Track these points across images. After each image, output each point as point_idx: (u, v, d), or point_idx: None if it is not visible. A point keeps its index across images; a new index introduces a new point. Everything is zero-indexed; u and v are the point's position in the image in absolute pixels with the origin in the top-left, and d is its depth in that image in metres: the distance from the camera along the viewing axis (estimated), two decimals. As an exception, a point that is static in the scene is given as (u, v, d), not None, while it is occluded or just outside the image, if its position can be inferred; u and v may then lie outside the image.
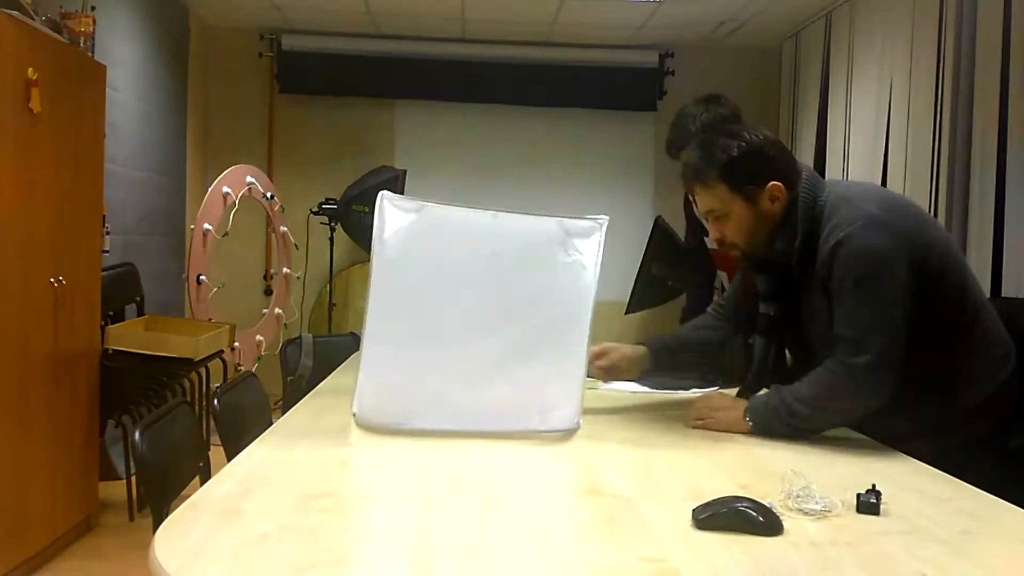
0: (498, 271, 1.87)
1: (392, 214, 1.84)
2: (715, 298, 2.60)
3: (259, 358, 5.24)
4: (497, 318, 1.84)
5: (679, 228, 5.85)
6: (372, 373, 1.82)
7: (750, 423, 1.82)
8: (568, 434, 1.82)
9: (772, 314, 1.96)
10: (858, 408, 1.80)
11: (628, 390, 2.42)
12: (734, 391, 2.08)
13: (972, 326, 1.88)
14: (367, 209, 5.73)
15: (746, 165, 1.81)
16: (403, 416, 1.80)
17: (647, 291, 5.83)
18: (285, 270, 5.61)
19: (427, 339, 1.83)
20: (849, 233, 1.75)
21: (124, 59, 4.68)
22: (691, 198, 2.02)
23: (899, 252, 1.75)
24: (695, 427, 1.89)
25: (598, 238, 1.88)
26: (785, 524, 1.23)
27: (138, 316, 4.24)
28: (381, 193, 1.86)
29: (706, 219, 1.96)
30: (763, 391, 1.93)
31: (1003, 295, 3.70)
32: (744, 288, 2.17)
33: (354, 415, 1.85)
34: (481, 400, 1.81)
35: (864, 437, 1.85)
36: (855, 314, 1.75)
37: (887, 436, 1.85)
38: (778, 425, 1.80)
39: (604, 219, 1.89)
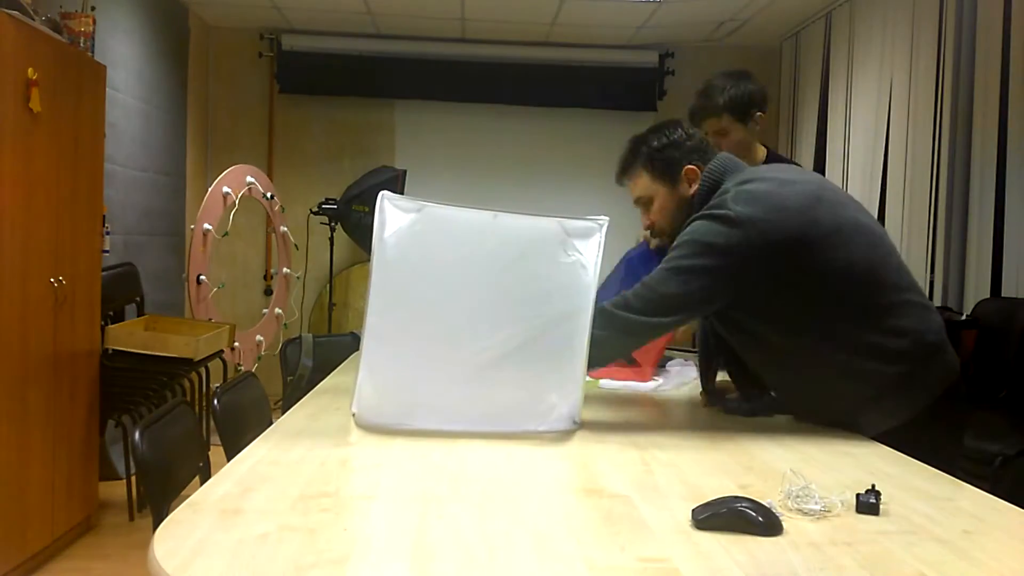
0: (498, 271, 1.87)
1: (392, 214, 1.84)
2: None
3: (259, 358, 5.25)
4: (497, 318, 1.84)
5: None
6: (372, 373, 1.82)
7: None
8: (568, 434, 1.82)
9: None
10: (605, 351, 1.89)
11: (629, 389, 2.43)
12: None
13: (875, 315, 1.83)
14: (367, 209, 5.75)
15: (664, 154, 2.01)
16: (403, 416, 1.80)
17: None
18: (285, 270, 5.62)
19: (427, 339, 1.83)
20: (713, 204, 1.88)
21: (124, 59, 4.69)
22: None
23: (745, 237, 1.78)
24: None
25: (598, 239, 1.88)
26: (785, 524, 1.23)
27: (138, 316, 4.24)
28: (381, 193, 1.86)
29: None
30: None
31: (1003, 295, 3.70)
32: None
33: (354, 415, 1.85)
34: (481, 400, 1.81)
35: (863, 437, 1.85)
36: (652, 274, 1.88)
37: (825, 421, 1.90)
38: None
39: (604, 220, 1.89)
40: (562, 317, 1.85)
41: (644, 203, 2.07)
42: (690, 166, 1.99)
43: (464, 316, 1.84)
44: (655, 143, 2.04)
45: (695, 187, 1.98)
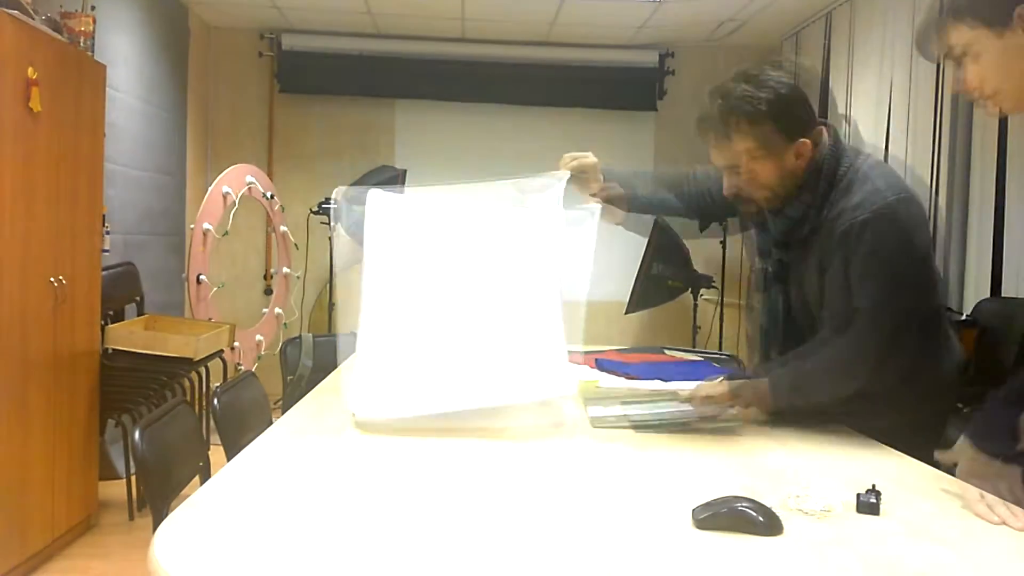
0: (472, 247, 1.90)
1: (379, 208, 1.87)
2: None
3: (259, 358, 5.24)
4: (478, 293, 1.86)
5: (679, 228, 5.87)
6: (368, 365, 1.83)
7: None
8: (568, 434, 1.82)
9: (771, 269, 1.95)
10: (851, 387, 1.81)
11: (629, 386, 2.42)
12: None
13: (938, 328, 1.93)
14: (367, 209, 5.74)
15: (781, 117, 1.79)
16: (400, 404, 1.79)
17: (647, 291, 5.83)
18: (285, 270, 5.62)
19: (418, 325, 1.85)
20: (879, 208, 1.72)
21: (124, 59, 4.68)
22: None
23: (919, 238, 1.81)
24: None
25: (555, 193, 1.89)
26: (785, 524, 1.23)
27: (138, 316, 4.24)
28: (370, 191, 1.89)
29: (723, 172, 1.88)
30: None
31: (1003, 295, 3.70)
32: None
33: (353, 415, 1.85)
34: (476, 378, 1.81)
35: (864, 437, 1.84)
36: (870, 287, 1.74)
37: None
38: (783, 400, 1.86)
39: (564, 174, 1.94)
40: (533, 282, 1.85)
41: (738, 170, 1.83)
42: (803, 140, 1.85)
43: (449, 297, 1.86)
44: (763, 106, 1.82)
45: (801, 161, 1.83)
